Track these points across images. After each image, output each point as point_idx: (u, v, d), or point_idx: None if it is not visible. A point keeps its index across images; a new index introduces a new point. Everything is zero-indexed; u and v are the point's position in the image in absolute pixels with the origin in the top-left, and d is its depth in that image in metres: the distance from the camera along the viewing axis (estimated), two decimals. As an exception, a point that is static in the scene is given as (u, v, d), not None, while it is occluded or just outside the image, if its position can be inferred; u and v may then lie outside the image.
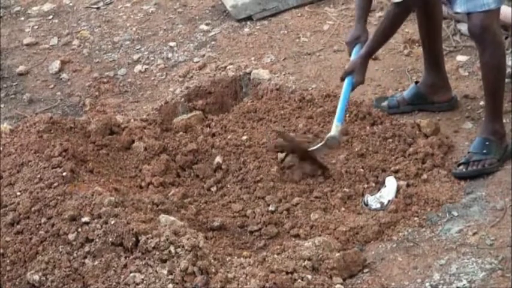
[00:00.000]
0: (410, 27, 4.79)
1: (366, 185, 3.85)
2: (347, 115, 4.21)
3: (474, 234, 3.41)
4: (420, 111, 4.27)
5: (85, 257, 3.31)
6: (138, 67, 5.02)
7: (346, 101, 3.94)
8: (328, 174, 3.90)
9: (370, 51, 3.97)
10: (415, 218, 3.60)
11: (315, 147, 3.91)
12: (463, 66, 4.58)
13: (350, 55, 4.09)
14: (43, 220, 3.47)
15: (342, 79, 4.00)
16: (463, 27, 4.64)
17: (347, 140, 4.08)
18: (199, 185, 3.96)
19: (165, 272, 3.18)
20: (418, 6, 4.02)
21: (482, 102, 4.12)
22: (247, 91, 4.71)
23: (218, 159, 4.02)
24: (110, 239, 3.32)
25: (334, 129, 3.88)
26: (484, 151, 3.80)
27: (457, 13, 4.00)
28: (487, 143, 3.82)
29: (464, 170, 3.81)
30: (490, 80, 3.81)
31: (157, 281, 3.16)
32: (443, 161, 3.92)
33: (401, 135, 4.06)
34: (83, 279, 3.27)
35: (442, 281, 3.20)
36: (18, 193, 3.61)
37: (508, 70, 4.22)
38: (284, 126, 4.20)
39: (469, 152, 3.85)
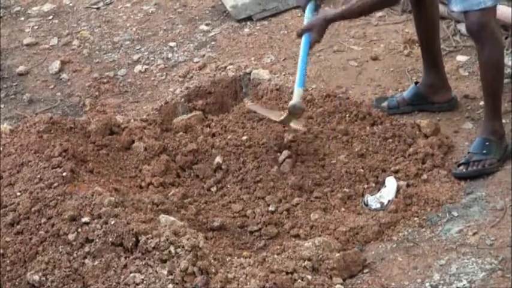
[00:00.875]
0: (410, 27, 4.79)
1: (366, 185, 3.84)
2: (347, 115, 4.21)
3: (474, 234, 3.41)
4: (420, 112, 4.26)
5: (85, 257, 3.31)
6: (138, 67, 5.02)
7: (305, 63, 3.93)
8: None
9: (337, 18, 3.94)
10: (415, 218, 3.60)
11: (282, 118, 3.99)
12: (463, 66, 4.58)
13: (303, 11, 4.05)
14: (43, 220, 3.47)
15: (299, 35, 3.96)
16: (463, 28, 4.64)
17: (347, 140, 4.08)
18: (199, 185, 3.96)
19: (165, 272, 3.18)
20: None
21: (482, 103, 4.12)
22: (247, 91, 4.71)
23: (218, 159, 4.01)
24: (110, 239, 3.31)
25: (295, 96, 3.88)
26: (484, 151, 3.80)
27: (453, 12, 3.99)
28: (487, 143, 3.81)
29: (464, 170, 3.81)
30: (489, 79, 3.80)
31: (157, 281, 3.16)
32: (443, 161, 3.91)
33: (402, 136, 4.06)
34: (83, 280, 3.27)
35: (442, 281, 3.19)
36: (18, 193, 3.61)
37: (508, 70, 4.22)
38: (284, 127, 4.20)
39: (469, 152, 3.85)
